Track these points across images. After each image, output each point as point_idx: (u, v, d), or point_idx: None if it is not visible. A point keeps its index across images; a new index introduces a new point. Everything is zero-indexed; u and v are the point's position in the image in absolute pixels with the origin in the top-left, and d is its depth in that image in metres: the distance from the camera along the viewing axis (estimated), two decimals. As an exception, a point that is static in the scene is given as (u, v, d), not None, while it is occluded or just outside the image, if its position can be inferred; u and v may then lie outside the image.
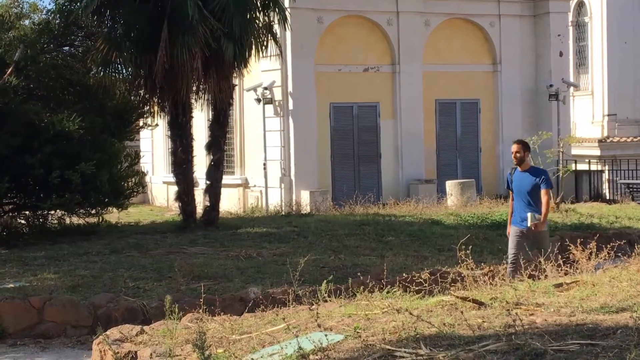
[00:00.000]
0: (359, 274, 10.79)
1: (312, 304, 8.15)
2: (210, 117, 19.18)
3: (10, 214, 18.03)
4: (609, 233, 16.52)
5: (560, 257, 10.17)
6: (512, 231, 11.37)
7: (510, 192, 11.59)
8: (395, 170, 25.41)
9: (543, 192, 11.15)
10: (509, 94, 27.04)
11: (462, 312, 7.01)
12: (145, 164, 26.65)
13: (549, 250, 10.30)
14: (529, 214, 10.96)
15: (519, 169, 11.43)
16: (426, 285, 8.92)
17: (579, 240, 10.52)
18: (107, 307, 10.57)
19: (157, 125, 21.55)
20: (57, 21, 18.17)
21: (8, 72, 16.51)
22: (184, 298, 10.52)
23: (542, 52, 27.40)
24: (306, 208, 22.17)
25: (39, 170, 16.20)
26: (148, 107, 19.09)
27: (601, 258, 10.05)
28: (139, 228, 18.72)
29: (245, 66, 18.28)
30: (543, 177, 11.25)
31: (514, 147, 11.51)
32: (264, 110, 24.36)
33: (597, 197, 26.81)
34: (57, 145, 16.52)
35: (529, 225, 10.89)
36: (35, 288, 11.33)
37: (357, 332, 6.72)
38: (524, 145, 11.47)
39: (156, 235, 16.81)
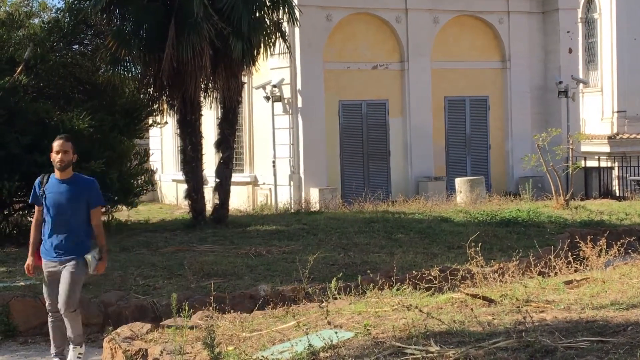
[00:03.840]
0: (368, 271, 10.80)
1: (322, 302, 8.15)
2: (220, 115, 19.18)
3: (21, 213, 18.07)
4: (618, 230, 16.50)
5: (570, 254, 10.15)
6: (44, 267, 8.29)
7: (39, 209, 8.30)
8: (405, 168, 25.39)
9: (94, 212, 8.25)
10: (518, 91, 27.00)
11: (472, 309, 7.01)
12: (154, 162, 26.72)
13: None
14: (89, 256, 8.10)
15: (56, 176, 8.24)
16: (436, 282, 8.94)
17: (588, 237, 10.53)
18: (118, 305, 10.59)
19: (166, 123, 21.56)
20: (66, 19, 18.19)
21: (18, 71, 16.54)
22: (194, 296, 10.54)
23: (551, 48, 27.33)
24: (315, 205, 22.17)
25: (48, 169, 16.19)
26: (157, 105, 19.11)
27: (611, 255, 10.04)
28: (148, 226, 18.75)
29: (254, 64, 18.30)
30: (94, 189, 8.29)
31: (60, 145, 8.14)
32: (272, 108, 24.37)
33: (607, 193, 26.74)
34: (67, 143, 16.52)
35: (91, 272, 8.19)
36: (46, 286, 11.34)
37: (367, 330, 6.73)
38: (73, 144, 8.22)
39: (166, 233, 16.84)
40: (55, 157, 8.19)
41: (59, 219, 8.11)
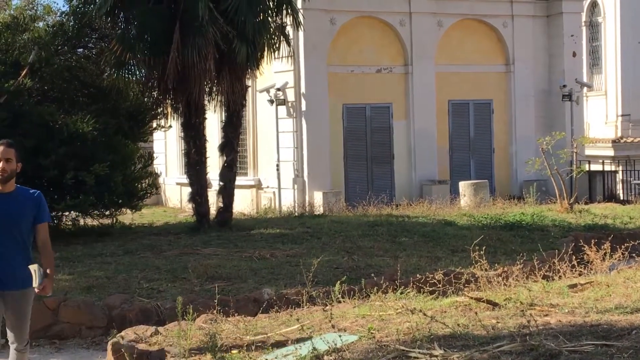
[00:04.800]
0: (372, 274, 10.78)
1: (326, 305, 8.15)
2: (224, 118, 19.20)
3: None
4: (623, 233, 16.46)
5: (574, 257, 10.14)
6: None
7: None
8: (408, 171, 25.39)
9: (41, 227, 6.95)
10: (522, 94, 26.99)
11: (476, 313, 7.00)
12: (158, 165, 26.73)
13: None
14: (33, 267, 6.72)
15: (1, 189, 6.83)
16: (440, 286, 8.93)
17: (593, 241, 10.51)
18: (122, 308, 10.59)
19: (170, 126, 21.60)
20: (71, 23, 18.23)
21: (22, 74, 16.57)
22: (198, 299, 10.54)
23: (555, 52, 27.33)
24: (319, 209, 22.17)
25: (53, 172, 16.25)
26: (161, 109, 19.14)
27: (615, 258, 10.03)
28: (152, 229, 18.76)
29: (258, 67, 18.33)
30: (41, 202, 6.98)
31: (6, 151, 6.80)
32: (276, 111, 24.39)
33: (611, 197, 26.71)
34: (71, 146, 16.57)
35: (35, 285, 6.72)
36: (50, 289, 11.35)
37: (371, 333, 6.73)
38: (17, 151, 6.89)
39: (170, 237, 16.85)
40: None
41: (5, 240, 6.76)
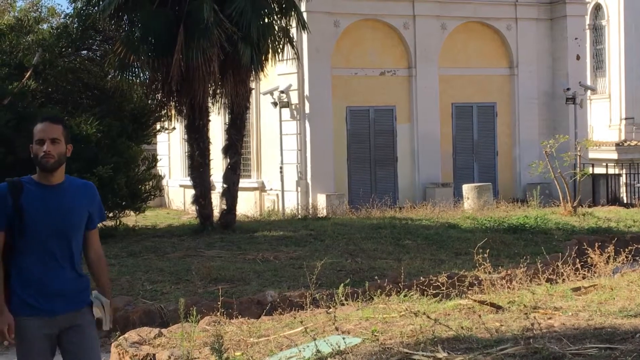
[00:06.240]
0: (376, 277, 10.79)
1: (330, 307, 8.15)
2: (227, 120, 19.22)
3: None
4: (626, 237, 16.47)
5: (578, 261, 10.14)
6: (23, 329, 4.93)
7: (0, 235, 4.98)
8: (412, 174, 25.38)
9: (93, 233, 5.27)
10: (526, 97, 26.98)
11: (479, 316, 7.00)
12: (162, 167, 26.73)
13: None
14: (95, 296, 5.18)
15: (38, 179, 5.08)
16: (443, 288, 8.93)
17: (596, 244, 10.52)
18: (125, 309, 10.60)
19: (174, 128, 21.61)
20: (75, 25, 18.28)
21: (26, 76, 16.62)
22: (201, 301, 10.55)
23: (559, 55, 27.32)
24: (323, 211, 22.17)
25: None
26: (165, 111, 19.16)
27: (619, 262, 10.02)
28: (156, 231, 18.77)
29: (262, 70, 18.32)
30: (97, 198, 5.28)
31: (46, 131, 5.01)
32: (280, 113, 24.39)
33: (615, 200, 26.70)
34: (75, 148, 16.49)
35: (107, 326, 5.19)
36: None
37: (375, 336, 6.73)
38: (66, 128, 5.13)
39: (173, 239, 16.86)
40: (39, 150, 5.02)
41: (51, 247, 5.00)
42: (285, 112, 24.36)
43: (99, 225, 5.32)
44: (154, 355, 7.34)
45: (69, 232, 5.04)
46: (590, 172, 25.57)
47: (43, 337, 4.95)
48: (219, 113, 19.96)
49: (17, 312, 4.93)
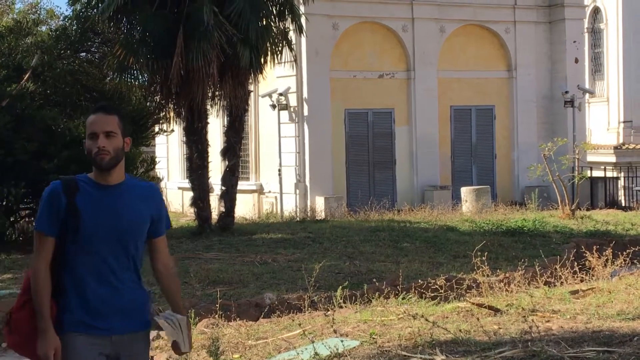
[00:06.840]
0: (374, 280, 10.79)
1: (328, 310, 8.16)
2: (226, 123, 19.21)
3: (27, 220, 18.11)
4: (624, 240, 16.45)
5: (576, 264, 10.15)
6: (78, 345, 4.29)
7: (49, 241, 4.42)
8: (410, 177, 25.39)
9: (160, 241, 4.74)
10: (524, 100, 27.00)
11: (477, 319, 7.01)
12: (160, 169, 26.72)
13: None
14: (165, 318, 4.61)
15: (95, 178, 4.45)
16: (442, 291, 8.94)
17: (594, 247, 10.51)
18: (123, 312, 10.58)
19: (172, 131, 21.61)
20: (74, 27, 18.28)
21: (25, 78, 16.61)
22: (199, 303, 10.54)
23: (557, 58, 27.34)
24: (321, 214, 22.18)
25: (55, 176, 16.05)
26: (164, 113, 19.16)
27: (617, 265, 10.04)
28: (154, 233, 18.72)
29: (261, 72, 18.33)
30: (161, 201, 4.68)
31: (100, 123, 4.38)
32: (279, 116, 24.40)
33: (613, 204, 26.71)
34: (74, 150, 16.57)
35: (185, 349, 4.56)
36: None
37: (373, 338, 6.73)
38: (122, 119, 4.48)
39: (171, 241, 16.84)
40: (92, 146, 4.38)
41: (109, 256, 4.41)
42: (284, 114, 24.36)
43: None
44: (152, 357, 7.34)
45: (128, 240, 4.41)
46: (589, 175, 25.59)
47: (97, 357, 4.28)
48: (217, 115, 19.96)
49: (67, 329, 4.28)
